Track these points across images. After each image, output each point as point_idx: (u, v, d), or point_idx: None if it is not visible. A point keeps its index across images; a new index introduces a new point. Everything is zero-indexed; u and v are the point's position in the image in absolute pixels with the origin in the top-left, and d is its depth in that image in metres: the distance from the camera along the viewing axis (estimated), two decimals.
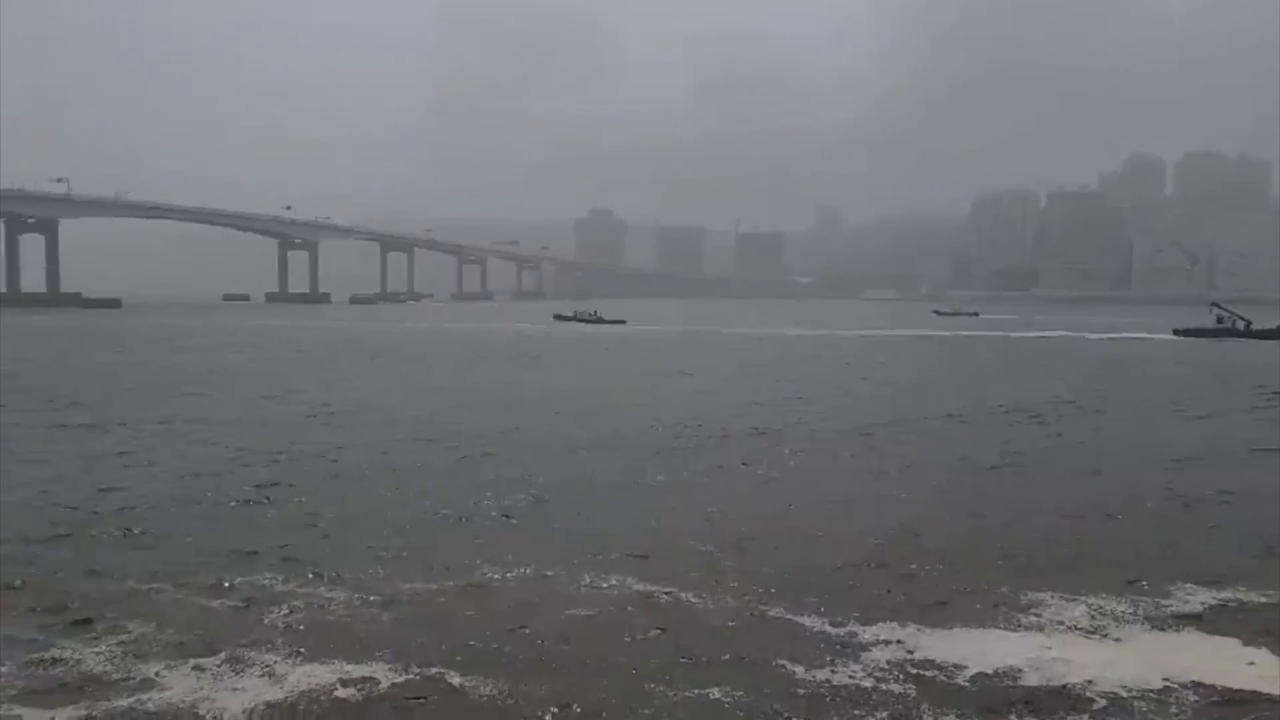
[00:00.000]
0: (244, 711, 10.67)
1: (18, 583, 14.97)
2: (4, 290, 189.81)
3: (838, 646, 12.75)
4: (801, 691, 11.37)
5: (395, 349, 77.30)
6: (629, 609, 14.21)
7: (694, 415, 34.73)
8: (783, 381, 50.13)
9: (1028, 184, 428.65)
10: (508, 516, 19.83)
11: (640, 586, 15.06)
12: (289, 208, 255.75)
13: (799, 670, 11.93)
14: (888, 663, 12.20)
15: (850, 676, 11.74)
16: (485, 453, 26.96)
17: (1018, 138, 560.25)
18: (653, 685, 11.55)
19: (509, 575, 15.71)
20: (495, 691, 11.37)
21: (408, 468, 24.91)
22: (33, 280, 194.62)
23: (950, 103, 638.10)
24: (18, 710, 10.73)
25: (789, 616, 13.90)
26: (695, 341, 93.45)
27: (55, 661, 12.03)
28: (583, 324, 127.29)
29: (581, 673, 11.95)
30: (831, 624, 13.57)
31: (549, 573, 15.80)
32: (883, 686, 11.45)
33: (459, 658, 12.31)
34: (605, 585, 15.18)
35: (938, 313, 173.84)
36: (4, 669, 11.79)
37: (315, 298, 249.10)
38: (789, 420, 33.97)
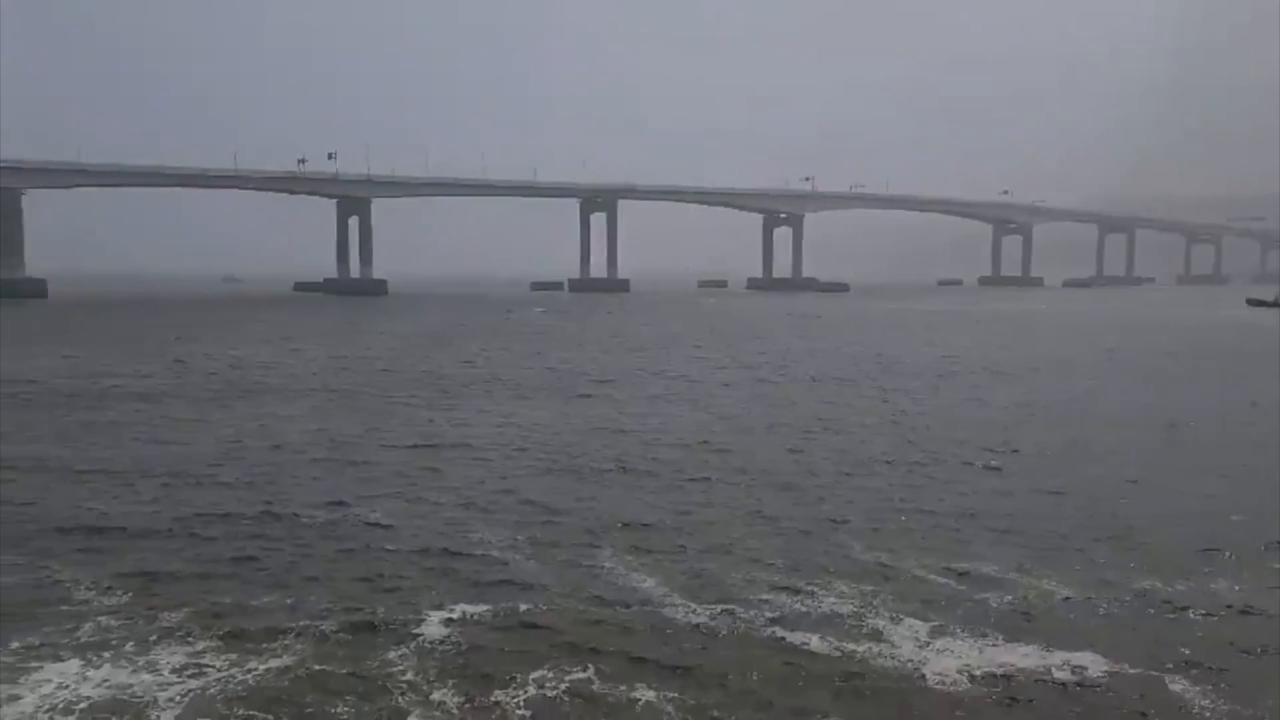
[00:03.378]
0: (960, 671, 12.54)
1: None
2: (759, 275, 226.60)
3: None
4: None
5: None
6: None
7: None
8: None
9: None
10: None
11: None
12: (1007, 192, 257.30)
13: None
14: None
15: None
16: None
17: None
18: None
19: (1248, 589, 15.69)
20: (1205, 702, 11.70)
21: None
22: (782, 267, 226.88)
23: None
24: (797, 636, 14.18)
25: None
26: None
27: (804, 601, 15.33)
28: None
29: None
30: None
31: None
32: None
33: (1173, 663, 12.73)
34: None
35: None
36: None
37: (1026, 281, 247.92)
38: None
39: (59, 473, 24.24)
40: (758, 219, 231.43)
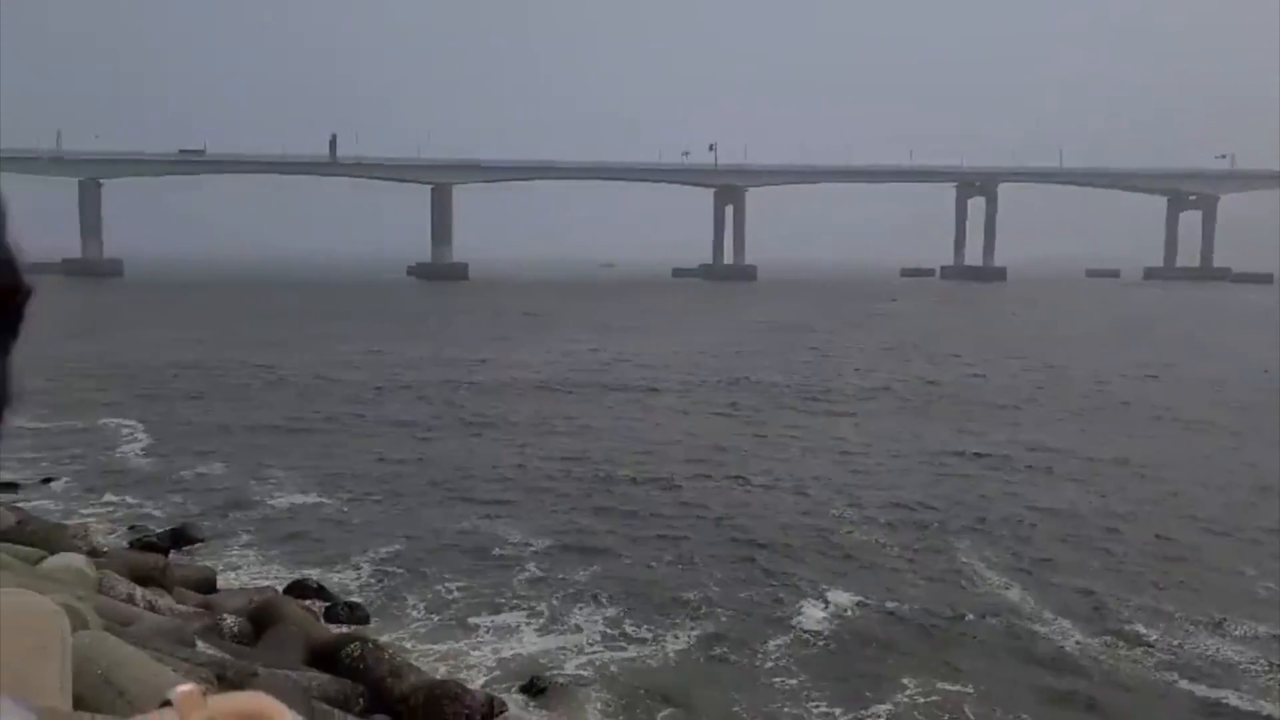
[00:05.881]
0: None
1: None
2: (1157, 264, 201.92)
3: None
4: None
5: None
6: None
7: None
8: None
9: None
10: None
11: None
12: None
13: None
14: None
15: None
16: None
17: None
18: None
19: None
20: None
21: None
22: (1188, 255, 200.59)
23: None
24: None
25: None
26: None
27: (1208, 641, 14.12)
28: None
29: None
30: None
31: None
32: None
33: None
34: None
35: None
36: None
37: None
38: None
39: (494, 440, 28.20)
40: (1151, 202, 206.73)
